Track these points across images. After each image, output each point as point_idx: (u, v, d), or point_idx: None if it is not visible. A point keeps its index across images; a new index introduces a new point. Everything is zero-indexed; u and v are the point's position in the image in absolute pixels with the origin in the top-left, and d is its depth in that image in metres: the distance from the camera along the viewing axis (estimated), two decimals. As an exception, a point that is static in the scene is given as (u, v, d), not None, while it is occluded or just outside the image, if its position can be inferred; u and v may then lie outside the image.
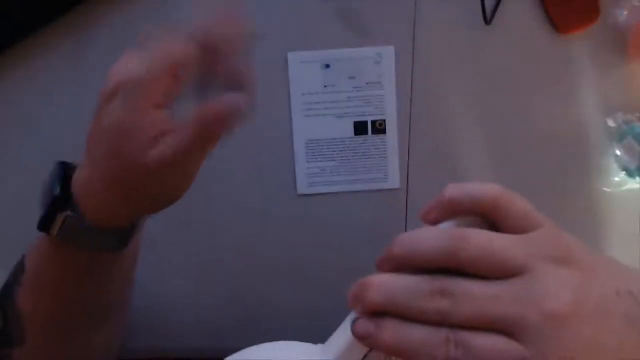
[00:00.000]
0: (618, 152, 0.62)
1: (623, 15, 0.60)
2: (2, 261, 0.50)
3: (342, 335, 0.32)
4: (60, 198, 0.40)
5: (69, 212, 0.40)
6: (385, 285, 0.29)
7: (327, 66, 0.63)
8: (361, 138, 0.64)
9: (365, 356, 0.31)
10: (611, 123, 0.62)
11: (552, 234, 0.29)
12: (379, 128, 0.63)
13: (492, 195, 0.29)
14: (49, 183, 0.42)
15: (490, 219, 0.29)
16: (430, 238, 0.28)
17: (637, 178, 0.62)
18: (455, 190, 0.30)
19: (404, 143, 0.64)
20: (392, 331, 0.28)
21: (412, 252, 0.29)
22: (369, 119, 0.63)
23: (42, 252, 0.42)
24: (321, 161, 0.64)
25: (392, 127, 0.63)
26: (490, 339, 0.26)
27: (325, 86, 0.63)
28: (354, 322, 0.31)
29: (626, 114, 0.62)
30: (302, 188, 0.64)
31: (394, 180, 0.64)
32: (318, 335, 0.76)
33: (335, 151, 0.64)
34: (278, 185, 0.64)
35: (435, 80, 0.62)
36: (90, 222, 0.40)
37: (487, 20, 0.61)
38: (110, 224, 0.41)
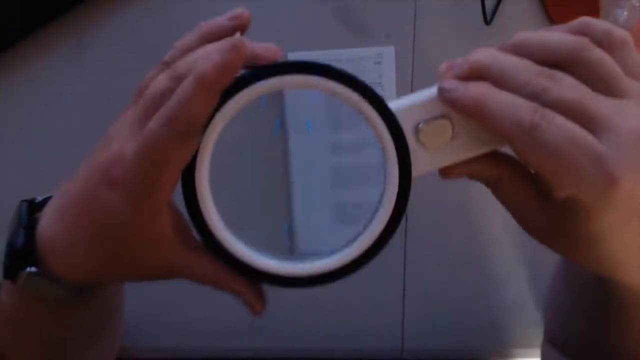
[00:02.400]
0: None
1: (623, 15, 0.60)
2: (2, 262, 0.50)
3: (415, 94, 0.32)
4: (23, 251, 0.34)
5: (33, 269, 0.34)
6: (495, 53, 0.30)
7: (327, 66, 0.63)
8: (361, 138, 0.64)
9: (430, 119, 0.31)
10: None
11: None
12: (379, 128, 0.63)
13: (622, 33, 0.30)
14: (12, 226, 0.36)
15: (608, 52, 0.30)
16: (558, 34, 0.30)
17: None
18: (588, 18, 0.31)
19: (404, 143, 0.64)
20: (482, 88, 0.29)
21: (537, 39, 0.30)
22: (369, 119, 0.63)
23: (9, 291, 0.38)
24: (321, 161, 0.64)
25: (392, 127, 0.63)
26: (575, 126, 0.28)
27: (325, 86, 0.63)
28: (442, 81, 0.31)
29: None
30: (302, 188, 0.64)
31: (394, 180, 0.64)
32: (320, 333, 0.76)
33: (335, 151, 0.64)
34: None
35: (435, 80, 0.62)
36: (58, 277, 0.35)
37: (487, 20, 0.61)
38: (82, 282, 0.36)
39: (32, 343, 0.40)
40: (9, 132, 0.65)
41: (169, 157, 0.30)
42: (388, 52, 0.62)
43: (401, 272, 0.69)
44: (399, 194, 0.31)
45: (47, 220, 0.35)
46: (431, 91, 0.31)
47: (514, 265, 0.69)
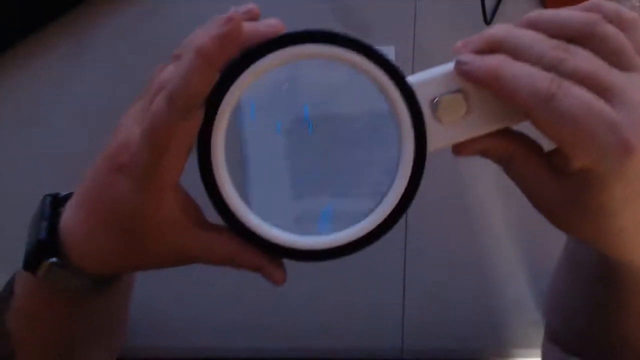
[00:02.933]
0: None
1: (623, 15, 0.60)
2: (2, 262, 0.50)
3: (431, 70, 0.31)
4: (45, 243, 0.35)
5: (54, 259, 0.35)
6: (510, 27, 0.31)
7: (327, 66, 0.63)
8: (361, 138, 0.64)
9: (445, 93, 0.31)
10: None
11: None
12: (379, 128, 0.63)
13: (632, 14, 0.31)
14: (36, 219, 0.37)
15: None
16: (571, 11, 0.31)
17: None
18: (599, 0, 0.31)
19: (404, 143, 0.64)
20: (499, 60, 0.29)
21: (551, 15, 0.30)
22: (369, 119, 0.63)
23: (27, 283, 0.39)
24: (321, 161, 0.64)
25: (392, 127, 0.63)
26: (590, 94, 0.28)
27: (325, 86, 0.63)
28: (459, 55, 0.30)
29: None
30: (302, 188, 0.64)
31: (394, 180, 0.64)
32: (320, 333, 0.76)
33: (335, 151, 0.64)
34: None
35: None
36: (78, 268, 0.36)
37: (487, 20, 0.61)
38: (101, 273, 0.37)
39: (46, 337, 0.40)
40: (9, 132, 0.65)
41: (171, 136, 0.30)
42: (388, 52, 0.62)
43: (401, 272, 0.69)
44: (413, 168, 0.31)
45: (68, 214, 0.36)
46: (447, 66, 0.31)
47: (514, 265, 0.69)
